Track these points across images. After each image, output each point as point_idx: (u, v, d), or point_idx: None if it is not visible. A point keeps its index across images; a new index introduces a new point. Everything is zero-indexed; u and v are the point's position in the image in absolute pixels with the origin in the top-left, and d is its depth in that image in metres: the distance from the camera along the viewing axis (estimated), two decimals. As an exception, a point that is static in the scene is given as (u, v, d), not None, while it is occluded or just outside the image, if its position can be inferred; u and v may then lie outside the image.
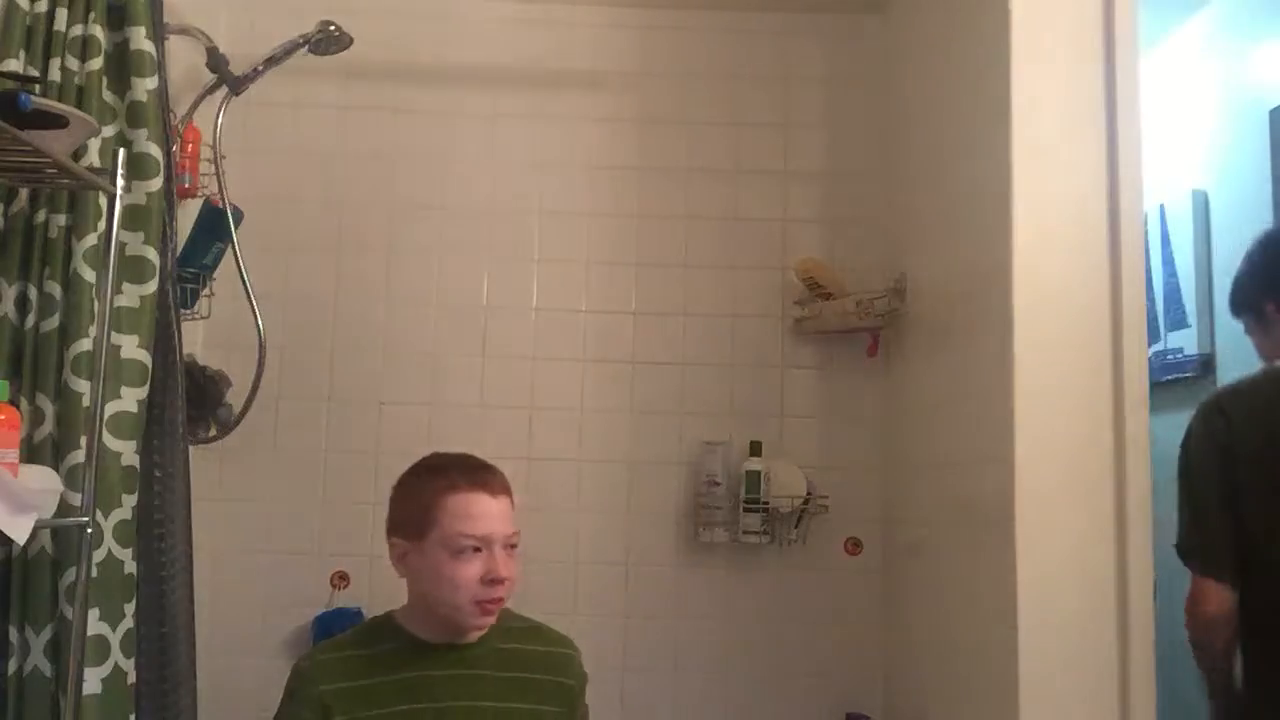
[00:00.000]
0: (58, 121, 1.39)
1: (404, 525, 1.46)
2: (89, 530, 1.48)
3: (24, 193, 1.62)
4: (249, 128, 2.42)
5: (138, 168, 1.65)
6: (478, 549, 1.41)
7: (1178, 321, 2.50)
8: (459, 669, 1.45)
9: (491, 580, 1.40)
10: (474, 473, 1.47)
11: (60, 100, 1.56)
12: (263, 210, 2.39)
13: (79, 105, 1.59)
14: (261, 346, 2.23)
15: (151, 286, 1.66)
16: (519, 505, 2.39)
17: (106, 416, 1.56)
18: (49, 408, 1.56)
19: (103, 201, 1.60)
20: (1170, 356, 2.51)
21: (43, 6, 1.64)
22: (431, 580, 1.42)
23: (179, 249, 2.01)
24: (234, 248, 2.21)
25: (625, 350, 2.45)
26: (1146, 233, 1.57)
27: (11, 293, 1.60)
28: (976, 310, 1.74)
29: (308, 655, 1.47)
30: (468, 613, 1.41)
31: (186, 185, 2.22)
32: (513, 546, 1.46)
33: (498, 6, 2.51)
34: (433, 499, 1.43)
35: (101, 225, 1.60)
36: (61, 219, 1.61)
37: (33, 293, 1.60)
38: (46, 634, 1.52)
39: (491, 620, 1.44)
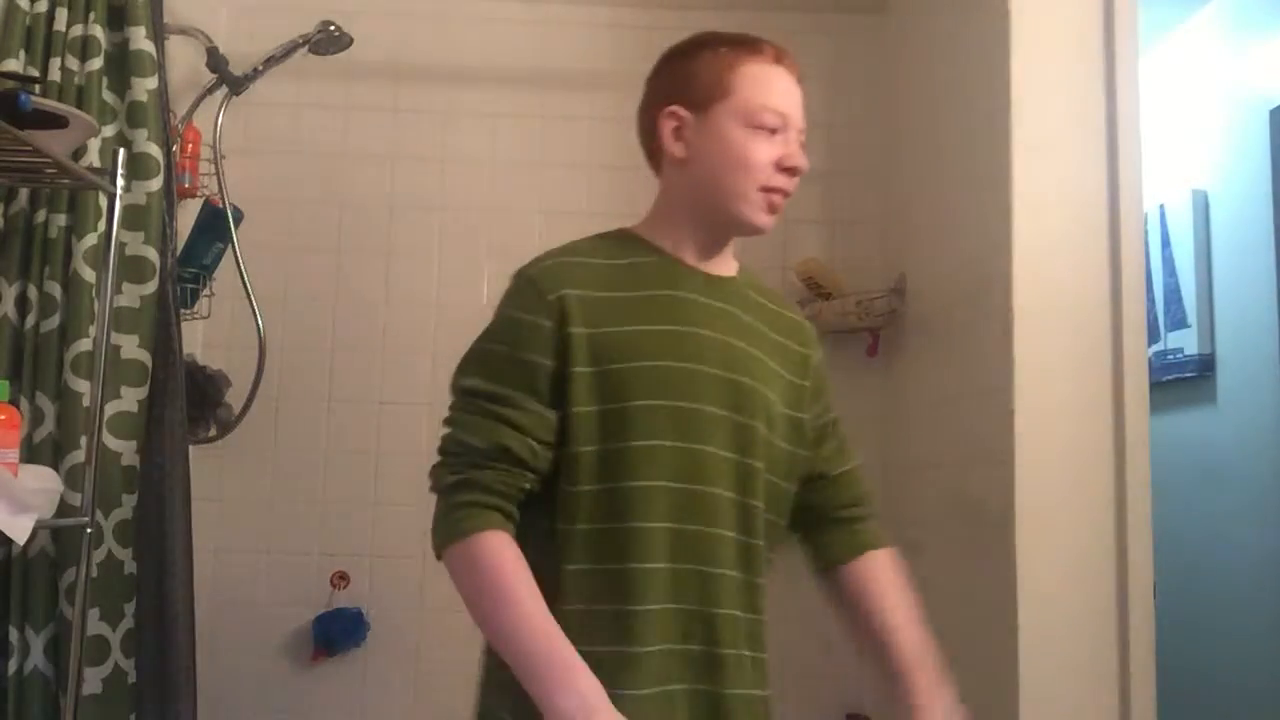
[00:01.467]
0: (58, 121, 1.39)
1: (686, 92, 1.21)
2: (89, 530, 1.48)
3: (24, 193, 1.62)
4: (249, 128, 2.42)
5: (138, 168, 1.65)
6: (775, 129, 1.17)
7: (1178, 321, 2.50)
8: (715, 300, 1.21)
9: (787, 167, 1.16)
10: (779, 48, 1.24)
11: (60, 100, 1.57)
12: (263, 210, 2.39)
13: (79, 105, 1.59)
14: (261, 346, 2.23)
15: (151, 286, 1.66)
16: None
17: (106, 416, 1.56)
18: (49, 408, 1.56)
19: (103, 201, 1.60)
20: (1170, 356, 2.50)
21: (43, 6, 1.64)
22: (716, 160, 1.18)
23: (179, 249, 2.01)
24: (234, 248, 2.21)
25: (625, 350, 2.44)
26: (1146, 233, 1.57)
27: (11, 293, 1.60)
28: (976, 310, 1.74)
29: (533, 262, 1.18)
30: (752, 202, 1.17)
31: (186, 185, 2.22)
32: (801, 143, 1.20)
33: (498, 6, 2.51)
34: (732, 61, 1.21)
35: (101, 225, 1.60)
36: (61, 219, 1.62)
37: (33, 293, 1.60)
38: (46, 634, 1.52)
39: (772, 221, 1.20)
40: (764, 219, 1.18)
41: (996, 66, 1.65)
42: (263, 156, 2.45)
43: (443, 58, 2.51)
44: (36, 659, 1.52)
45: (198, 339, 2.35)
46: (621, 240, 1.26)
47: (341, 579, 2.35)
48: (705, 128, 1.19)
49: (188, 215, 2.24)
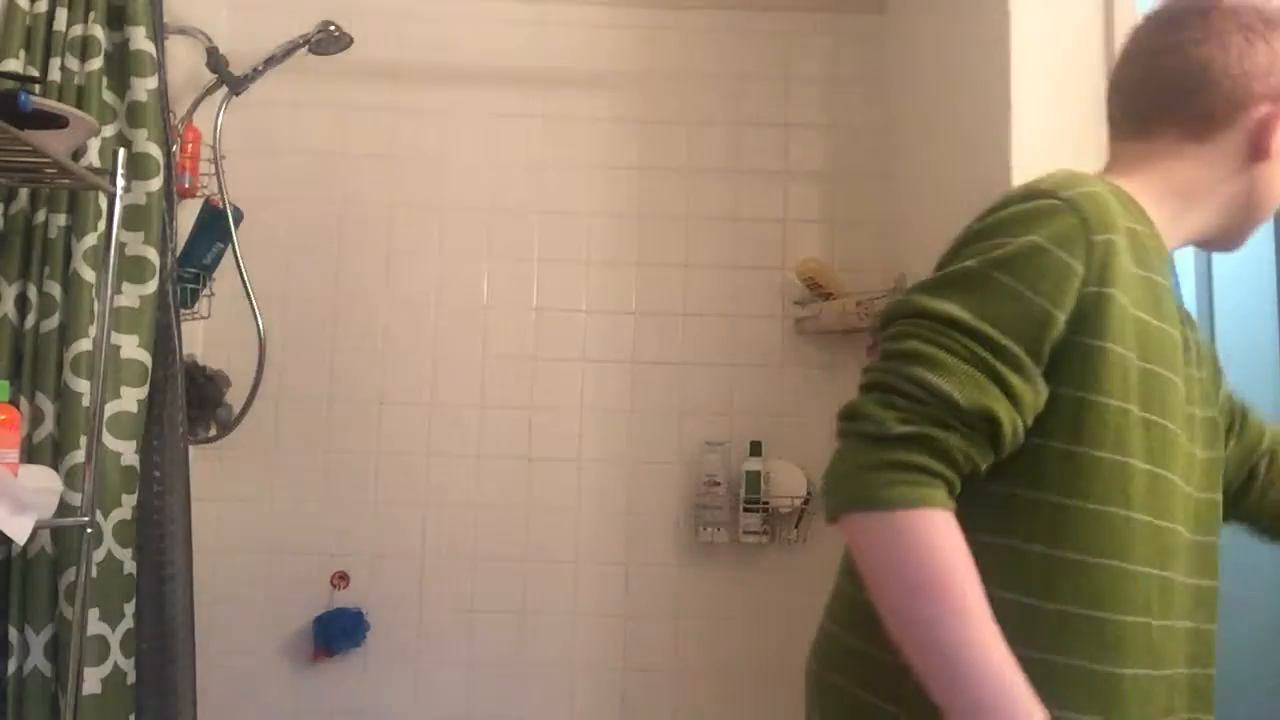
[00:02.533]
0: (58, 121, 1.39)
1: None
2: (89, 530, 1.48)
3: (24, 193, 1.62)
4: (249, 128, 2.42)
5: (138, 168, 1.65)
6: None
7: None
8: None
9: None
10: None
11: (60, 100, 1.57)
12: (263, 210, 2.39)
13: (79, 105, 1.59)
14: (261, 346, 2.23)
15: (151, 286, 1.66)
16: (518, 504, 2.41)
17: (106, 416, 1.56)
18: (49, 408, 1.56)
19: (103, 201, 1.60)
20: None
21: (43, 6, 1.64)
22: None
23: (179, 249, 2.02)
24: (234, 248, 2.21)
25: (625, 350, 2.45)
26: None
27: (11, 293, 1.60)
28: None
29: (1064, 182, 0.90)
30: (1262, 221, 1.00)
31: (186, 185, 2.22)
32: None
33: (498, 6, 2.51)
34: None
35: (101, 225, 1.60)
36: (61, 219, 1.62)
37: (33, 293, 1.60)
38: (46, 634, 1.52)
39: None
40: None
41: (996, 66, 1.65)
42: (263, 156, 2.45)
43: (443, 58, 2.51)
44: (36, 659, 1.52)
45: (198, 339, 2.35)
46: (1131, 208, 0.94)
47: (341, 579, 2.35)
48: None
49: (188, 215, 2.25)
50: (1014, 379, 0.82)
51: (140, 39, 1.68)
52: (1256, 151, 0.95)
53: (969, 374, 0.82)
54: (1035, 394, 0.84)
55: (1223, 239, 1.01)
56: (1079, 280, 0.84)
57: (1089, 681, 0.83)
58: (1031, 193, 0.89)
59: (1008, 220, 0.87)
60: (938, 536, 0.78)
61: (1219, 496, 0.98)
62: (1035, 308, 0.83)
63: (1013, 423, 0.83)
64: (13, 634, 1.53)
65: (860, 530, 0.81)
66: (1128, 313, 0.86)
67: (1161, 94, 0.98)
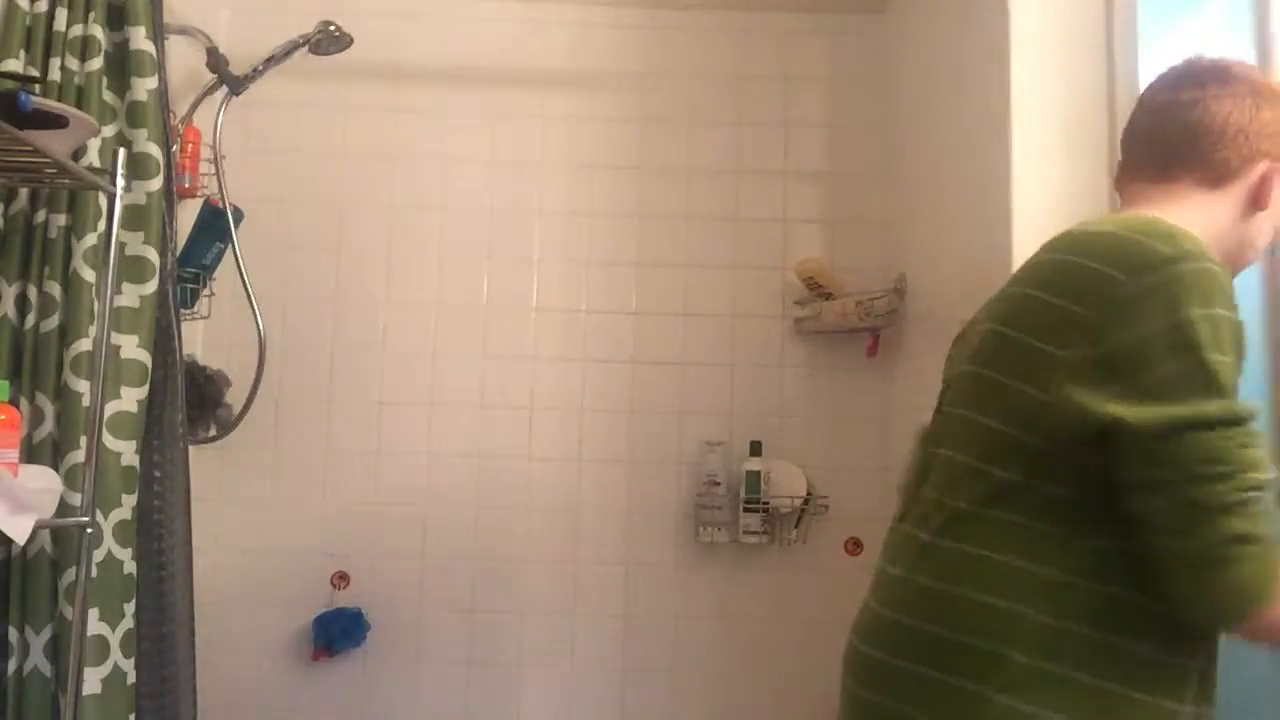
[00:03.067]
0: (58, 121, 1.39)
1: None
2: (89, 530, 1.48)
3: (24, 193, 1.62)
4: (249, 128, 2.42)
5: (138, 168, 1.65)
6: None
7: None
8: None
9: None
10: None
11: (60, 100, 1.57)
12: (263, 210, 2.39)
13: (79, 105, 1.59)
14: (261, 346, 2.23)
15: (151, 286, 1.66)
16: (518, 504, 2.41)
17: (106, 416, 1.56)
18: (49, 408, 1.56)
19: (103, 201, 1.60)
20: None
21: (43, 6, 1.64)
22: (1272, 226, 1.12)
23: (179, 249, 2.02)
24: (234, 248, 2.21)
25: (625, 350, 2.45)
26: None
27: (11, 293, 1.60)
28: (976, 310, 1.74)
29: (1194, 253, 0.95)
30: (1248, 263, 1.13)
31: (186, 185, 2.22)
32: None
33: (497, 6, 2.51)
34: None
35: (101, 225, 1.60)
36: (61, 219, 1.62)
37: (33, 293, 1.60)
38: (46, 634, 1.52)
39: None
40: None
41: (996, 66, 1.65)
42: (263, 156, 2.45)
43: (443, 58, 2.51)
44: (36, 659, 1.52)
45: (198, 339, 2.35)
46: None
47: (341, 579, 2.35)
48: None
49: (188, 215, 2.25)
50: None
51: (140, 39, 1.67)
52: (1257, 201, 1.09)
53: (1259, 457, 0.91)
54: None
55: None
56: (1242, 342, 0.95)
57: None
58: (1193, 254, 0.94)
59: (1200, 290, 0.92)
60: None
61: None
62: (1238, 374, 0.93)
63: None
64: (13, 634, 1.53)
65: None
66: None
67: (1188, 143, 1.09)
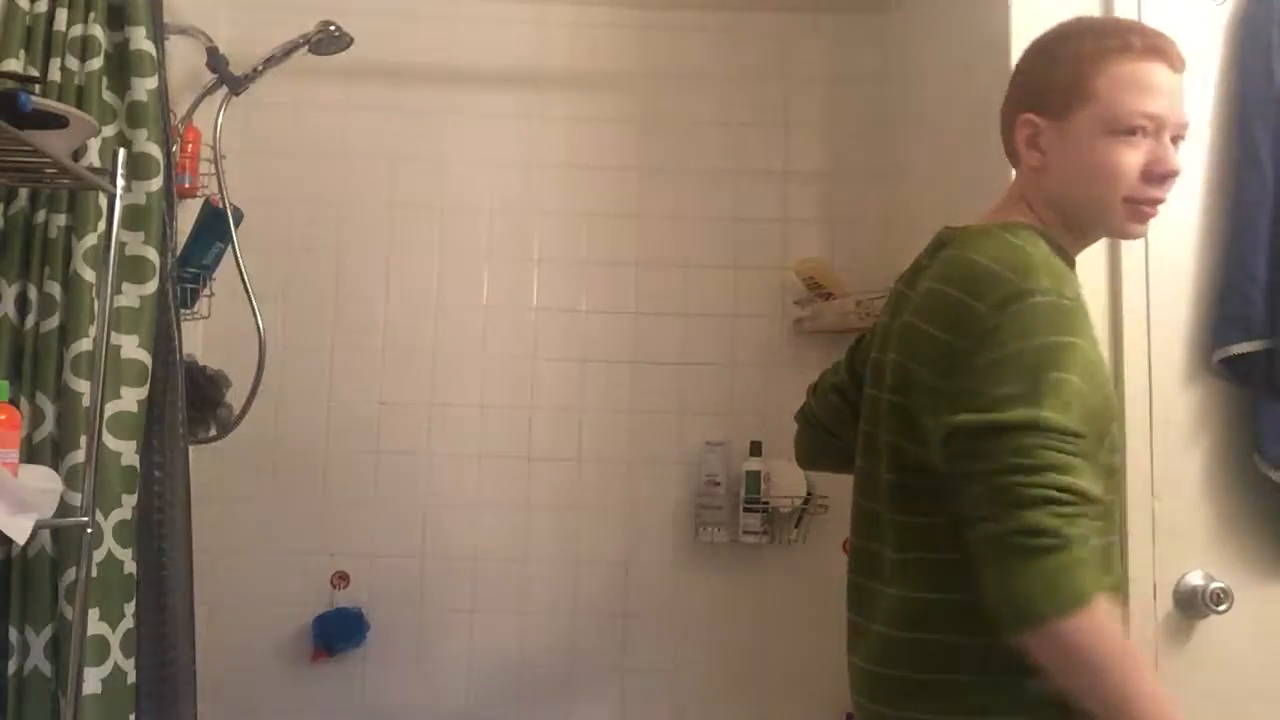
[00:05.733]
0: (58, 121, 1.39)
1: (1044, 96, 1.12)
2: (89, 530, 1.48)
3: (24, 193, 1.62)
4: (249, 128, 2.42)
5: (138, 168, 1.65)
6: (1145, 131, 1.08)
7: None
8: None
9: (1159, 175, 1.08)
10: (1152, 37, 1.11)
11: (60, 100, 1.56)
12: (263, 210, 2.39)
13: (79, 105, 1.59)
14: (261, 346, 2.23)
15: (151, 286, 1.66)
16: (518, 504, 2.41)
17: (106, 416, 1.56)
18: (49, 408, 1.56)
19: (103, 201, 1.60)
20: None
21: (43, 6, 1.64)
22: (1073, 170, 1.11)
23: (179, 249, 2.01)
24: (234, 248, 2.21)
25: (625, 350, 2.45)
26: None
27: (11, 293, 1.60)
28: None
29: (1059, 286, 1.03)
30: (1115, 214, 1.10)
31: (186, 185, 2.22)
32: (1178, 141, 1.12)
33: (498, 6, 2.51)
34: (1095, 63, 1.09)
35: (101, 225, 1.60)
36: (61, 219, 1.61)
37: (33, 293, 1.60)
38: (46, 634, 1.52)
39: (1144, 229, 1.13)
40: (1131, 229, 1.12)
41: (996, 66, 1.65)
42: (263, 156, 2.45)
43: (443, 58, 2.51)
44: (36, 659, 1.52)
45: (198, 339, 2.35)
46: (1048, 243, 1.11)
47: (341, 579, 2.35)
48: (1063, 135, 1.11)
49: (188, 215, 2.25)
50: (1107, 456, 1.04)
51: (140, 39, 1.67)
52: (1023, 163, 1.19)
53: (1090, 470, 0.97)
54: None
55: (1091, 232, 1.17)
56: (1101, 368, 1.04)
57: None
58: (1041, 289, 1.01)
59: (1045, 320, 1.00)
60: (1112, 609, 0.94)
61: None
62: (1088, 399, 0.99)
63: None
64: (13, 634, 1.53)
65: (1073, 629, 0.91)
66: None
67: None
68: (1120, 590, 1.04)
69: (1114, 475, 1.09)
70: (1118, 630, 0.94)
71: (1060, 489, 0.93)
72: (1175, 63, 1.10)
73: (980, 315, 1.01)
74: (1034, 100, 1.14)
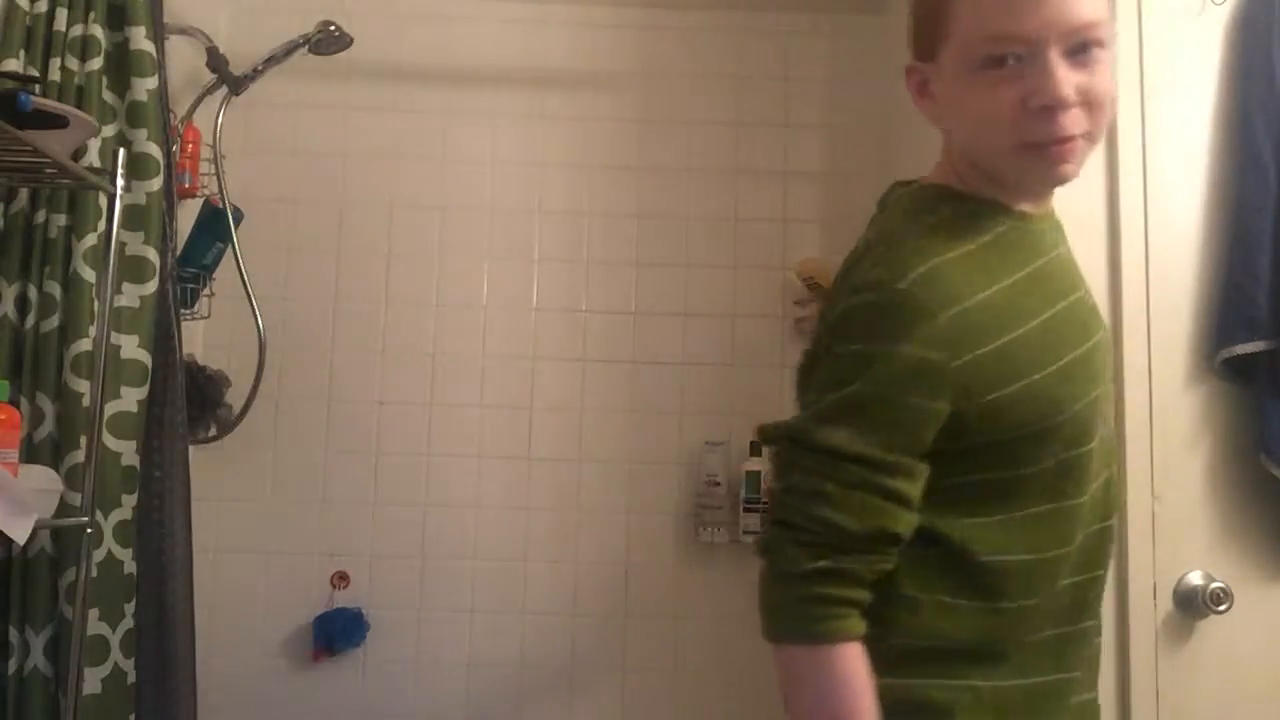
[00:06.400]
0: (58, 121, 1.40)
1: (918, 36, 0.96)
2: (89, 530, 1.48)
3: (24, 193, 1.62)
4: (249, 128, 2.42)
5: (138, 168, 1.65)
6: (1017, 58, 0.87)
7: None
8: (1062, 249, 1.01)
9: (1040, 106, 0.86)
10: None
11: (60, 100, 1.57)
12: (263, 210, 2.39)
13: (79, 105, 1.59)
14: (261, 346, 2.23)
15: (151, 286, 1.66)
16: (518, 504, 2.41)
17: (106, 416, 1.56)
18: (49, 408, 1.57)
19: (103, 201, 1.60)
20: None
21: (43, 6, 1.64)
22: (956, 120, 0.95)
23: (179, 249, 2.01)
24: (234, 248, 2.21)
25: (625, 350, 2.45)
26: (1147, 231, 1.57)
27: (11, 293, 1.60)
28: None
29: (893, 265, 0.90)
30: (1018, 164, 0.91)
31: (186, 185, 2.22)
32: (1087, 48, 0.87)
33: (497, 6, 2.51)
34: None
35: (101, 225, 1.60)
36: (61, 219, 1.62)
37: (33, 293, 1.60)
38: (46, 634, 1.52)
39: (1070, 170, 0.90)
40: (1051, 173, 0.91)
41: (996, 66, 1.65)
42: (263, 156, 2.45)
43: (443, 58, 2.51)
44: (36, 659, 1.52)
45: (198, 339, 2.35)
46: (960, 205, 0.95)
47: (341, 579, 2.35)
48: (940, 80, 0.94)
49: (188, 215, 2.25)
50: (903, 485, 0.88)
51: (140, 39, 1.67)
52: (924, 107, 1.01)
53: (860, 500, 0.86)
54: (921, 478, 0.90)
55: (1020, 181, 0.97)
56: (942, 367, 0.86)
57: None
58: (871, 283, 0.90)
59: (861, 323, 0.90)
60: (855, 662, 0.87)
61: None
62: (909, 413, 0.87)
63: (909, 523, 0.89)
64: (13, 634, 1.53)
65: (791, 660, 0.89)
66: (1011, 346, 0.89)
67: None
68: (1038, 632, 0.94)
69: (1042, 480, 0.93)
70: (844, 677, 0.86)
71: (807, 516, 0.87)
72: None
73: (831, 305, 0.96)
74: (913, 42, 0.97)
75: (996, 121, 0.89)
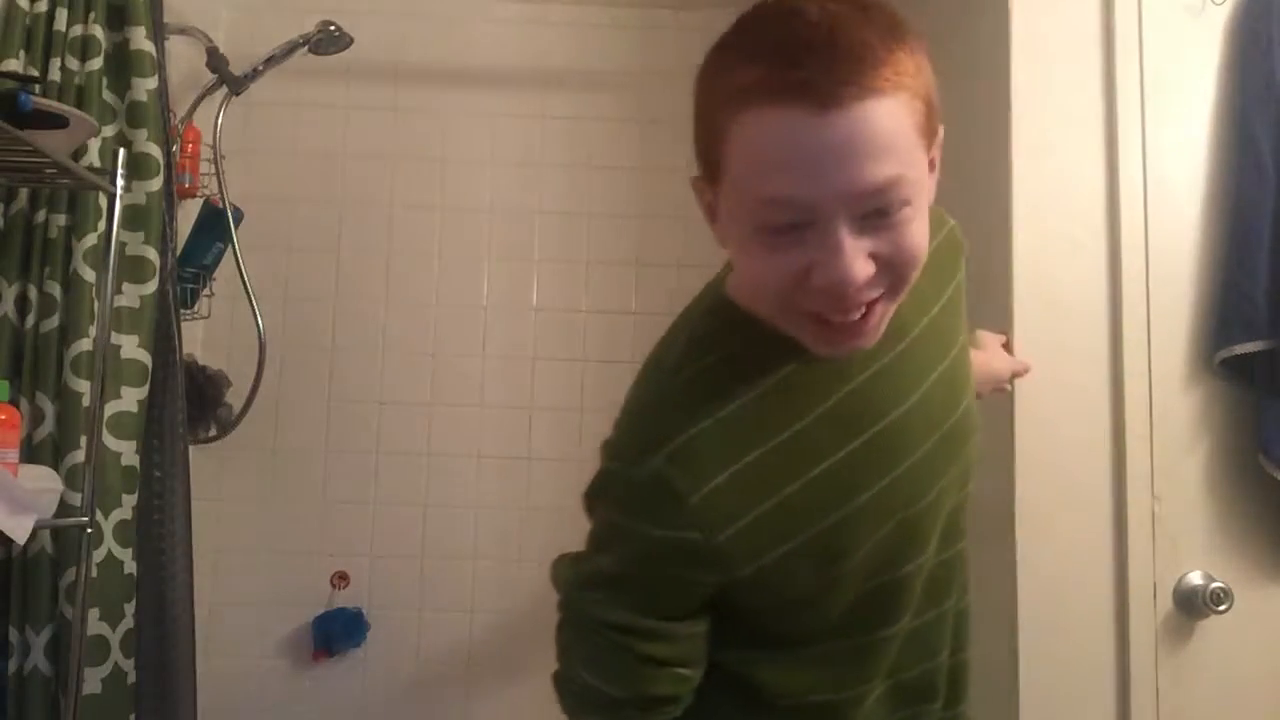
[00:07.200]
0: (58, 121, 1.40)
1: (698, 150, 0.81)
2: (89, 530, 1.48)
3: (24, 193, 1.63)
4: (249, 128, 2.42)
5: (138, 168, 1.65)
6: (794, 226, 0.71)
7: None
8: (881, 363, 0.85)
9: (818, 284, 0.72)
10: (796, 59, 0.68)
11: (60, 100, 1.57)
12: (263, 210, 2.39)
13: (79, 105, 1.59)
14: (261, 346, 2.23)
15: (151, 286, 1.66)
16: (518, 504, 2.41)
17: (106, 416, 1.56)
18: (49, 408, 1.57)
19: (103, 201, 1.60)
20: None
21: (43, 6, 1.64)
22: (738, 263, 0.84)
23: (179, 249, 2.02)
24: (234, 248, 2.21)
25: (625, 350, 2.44)
26: (1147, 231, 1.57)
27: (11, 293, 1.60)
28: (976, 310, 1.74)
29: (649, 443, 0.81)
30: (796, 330, 0.78)
31: (186, 185, 2.22)
32: (885, 213, 0.71)
33: (498, 6, 2.51)
34: (725, 109, 0.72)
35: (101, 225, 1.60)
36: (61, 219, 1.62)
37: (33, 293, 1.60)
38: (46, 634, 1.52)
39: (861, 344, 0.78)
40: (838, 349, 0.78)
41: (997, 66, 1.65)
42: (263, 156, 2.45)
43: (443, 58, 2.51)
44: (36, 659, 1.52)
45: (198, 339, 2.35)
46: (750, 339, 0.83)
47: (341, 579, 2.35)
48: (724, 205, 0.79)
49: (188, 215, 2.25)
50: (664, 650, 0.83)
51: (140, 39, 1.67)
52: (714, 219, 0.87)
53: (622, 666, 0.83)
54: (690, 638, 0.85)
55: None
56: (698, 545, 0.78)
57: None
58: (626, 455, 0.84)
59: (616, 495, 0.86)
60: None
61: None
62: (667, 584, 0.82)
63: (679, 681, 0.84)
64: (13, 634, 1.53)
65: None
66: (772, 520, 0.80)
67: None
68: None
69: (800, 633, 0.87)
70: None
71: (574, 678, 0.88)
72: (842, 96, 0.67)
73: (610, 439, 0.93)
74: (696, 153, 0.81)
75: (776, 289, 0.74)
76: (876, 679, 0.88)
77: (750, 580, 0.80)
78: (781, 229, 0.71)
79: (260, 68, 2.22)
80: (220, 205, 2.22)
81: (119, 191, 1.55)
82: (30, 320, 1.60)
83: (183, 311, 2.00)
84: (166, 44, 1.78)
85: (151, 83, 1.68)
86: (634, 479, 0.81)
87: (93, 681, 1.51)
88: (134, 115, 1.67)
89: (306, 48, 2.24)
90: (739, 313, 0.85)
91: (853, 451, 0.82)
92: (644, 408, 0.87)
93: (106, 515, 1.56)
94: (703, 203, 0.85)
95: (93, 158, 1.63)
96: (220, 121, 2.24)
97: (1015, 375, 1.36)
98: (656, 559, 0.80)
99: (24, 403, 1.57)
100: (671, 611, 0.83)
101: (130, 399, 1.61)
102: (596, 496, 0.90)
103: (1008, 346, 1.37)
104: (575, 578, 0.90)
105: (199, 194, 2.28)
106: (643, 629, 0.82)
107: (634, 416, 0.88)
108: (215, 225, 2.22)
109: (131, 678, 1.58)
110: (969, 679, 0.96)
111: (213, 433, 2.27)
